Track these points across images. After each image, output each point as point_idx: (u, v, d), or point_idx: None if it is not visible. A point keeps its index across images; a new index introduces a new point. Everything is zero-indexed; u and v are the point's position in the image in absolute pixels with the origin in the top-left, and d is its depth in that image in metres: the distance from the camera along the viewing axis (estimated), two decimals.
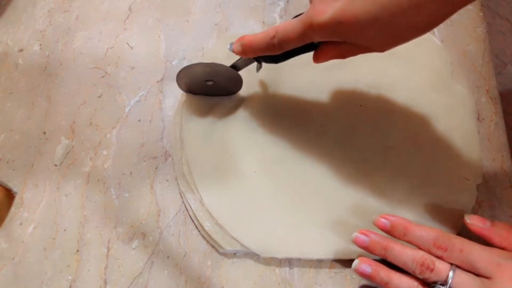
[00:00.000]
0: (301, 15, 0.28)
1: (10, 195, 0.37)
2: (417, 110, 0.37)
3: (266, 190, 0.35)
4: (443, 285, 0.26)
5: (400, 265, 0.28)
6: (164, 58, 0.42)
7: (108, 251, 0.34)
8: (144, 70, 0.41)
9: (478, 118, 0.38)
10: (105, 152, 0.38)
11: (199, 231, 0.35)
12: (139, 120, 0.39)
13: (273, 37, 0.29)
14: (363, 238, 0.30)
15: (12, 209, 0.36)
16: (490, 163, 0.36)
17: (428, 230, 0.29)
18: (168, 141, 0.38)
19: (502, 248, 0.28)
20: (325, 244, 0.33)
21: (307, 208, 0.34)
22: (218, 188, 0.35)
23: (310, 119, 0.37)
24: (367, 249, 0.30)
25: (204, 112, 0.38)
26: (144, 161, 0.37)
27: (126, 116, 0.39)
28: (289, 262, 0.34)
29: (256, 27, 0.43)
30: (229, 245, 0.33)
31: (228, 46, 0.33)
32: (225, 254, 0.34)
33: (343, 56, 0.30)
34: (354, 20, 0.25)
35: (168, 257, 0.34)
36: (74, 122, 0.39)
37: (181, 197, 0.36)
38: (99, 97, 0.40)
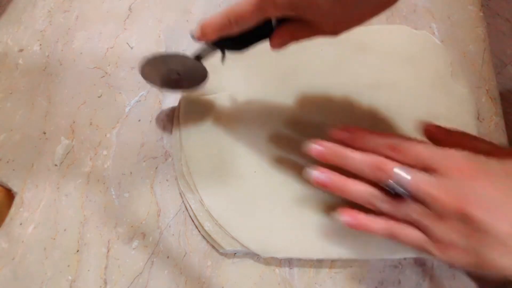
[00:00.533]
0: None
1: (10, 195, 0.37)
2: (417, 110, 0.37)
3: (266, 190, 0.35)
4: (397, 184, 0.27)
5: (357, 171, 0.29)
6: None
7: (108, 251, 0.34)
8: None
9: (478, 118, 0.38)
10: (105, 152, 0.38)
11: (199, 231, 0.35)
12: (139, 120, 0.39)
13: (229, 13, 0.29)
14: (318, 147, 0.30)
15: (12, 209, 0.36)
16: None
17: (383, 135, 0.30)
18: (168, 141, 0.38)
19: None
20: (325, 244, 0.33)
21: (307, 208, 0.34)
22: (218, 188, 0.35)
23: (310, 119, 0.37)
24: (321, 157, 0.30)
25: (203, 112, 0.38)
26: (144, 161, 0.37)
27: (126, 116, 0.39)
28: (289, 262, 0.34)
29: None
30: (229, 245, 0.33)
31: (190, 35, 0.31)
32: (225, 254, 0.34)
33: (296, 37, 0.29)
34: None
35: (168, 257, 0.34)
36: (74, 122, 0.39)
37: (181, 197, 0.36)
38: (99, 97, 0.40)
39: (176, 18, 0.44)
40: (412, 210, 0.27)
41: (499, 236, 0.25)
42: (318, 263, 0.33)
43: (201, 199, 0.35)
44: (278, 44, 0.30)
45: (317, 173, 0.30)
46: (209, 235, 0.34)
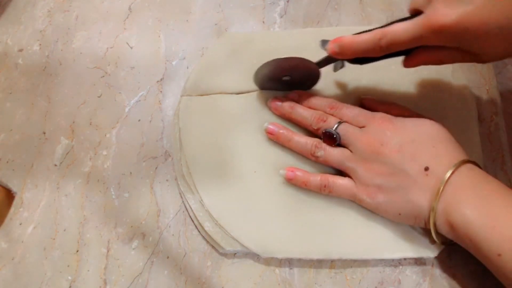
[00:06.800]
0: (416, 18, 0.28)
1: (10, 195, 0.37)
2: (417, 110, 0.37)
3: (266, 190, 0.35)
4: (333, 129, 0.34)
5: (302, 120, 0.35)
6: (164, 58, 0.42)
7: (108, 251, 0.34)
8: (144, 70, 0.41)
9: (478, 118, 0.38)
10: (105, 152, 0.38)
11: (199, 231, 0.35)
12: (139, 120, 0.39)
13: (381, 38, 0.29)
14: (277, 102, 0.36)
15: (12, 209, 0.36)
16: (490, 163, 0.36)
17: (325, 98, 0.37)
18: (168, 141, 0.38)
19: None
20: (325, 244, 0.33)
21: (307, 208, 0.34)
22: (218, 188, 0.35)
23: None
24: (278, 110, 0.37)
25: (203, 112, 0.38)
26: (144, 161, 0.37)
27: (126, 116, 0.39)
28: (289, 262, 0.34)
29: (256, 27, 0.43)
30: (229, 245, 0.33)
31: (319, 43, 0.33)
32: (225, 254, 0.34)
33: (441, 61, 0.31)
34: (481, 26, 0.26)
35: (168, 257, 0.34)
36: (74, 122, 0.39)
37: (181, 197, 0.36)
38: (99, 97, 0.40)
39: (176, 18, 0.44)
40: (341, 153, 0.33)
41: (411, 174, 0.30)
42: (318, 263, 0.33)
43: (201, 199, 0.35)
44: (414, 65, 0.32)
45: (269, 125, 0.36)
46: (209, 235, 0.34)
